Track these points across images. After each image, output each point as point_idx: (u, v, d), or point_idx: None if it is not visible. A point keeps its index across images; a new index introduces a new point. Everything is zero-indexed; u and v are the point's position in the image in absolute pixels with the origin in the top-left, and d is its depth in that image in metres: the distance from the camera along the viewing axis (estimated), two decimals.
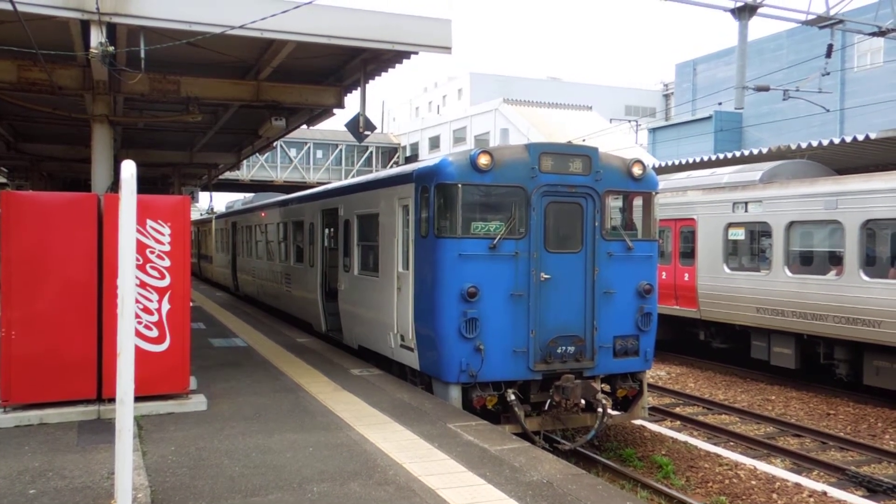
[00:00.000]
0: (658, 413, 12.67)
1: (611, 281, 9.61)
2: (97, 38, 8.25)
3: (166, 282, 8.17)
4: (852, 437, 11.33)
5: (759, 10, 13.78)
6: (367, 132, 11.39)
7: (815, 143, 16.65)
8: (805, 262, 14.38)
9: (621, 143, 36.59)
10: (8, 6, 7.17)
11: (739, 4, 13.67)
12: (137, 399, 5.31)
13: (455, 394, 9.11)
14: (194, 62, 10.81)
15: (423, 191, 9.49)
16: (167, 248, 8.15)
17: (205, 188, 29.71)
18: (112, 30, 8.62)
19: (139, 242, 7.25)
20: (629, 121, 46.63)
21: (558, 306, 9.36)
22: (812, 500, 8.68)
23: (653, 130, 45.11)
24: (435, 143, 49.73)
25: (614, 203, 10.30)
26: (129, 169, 5.14)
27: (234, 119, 14.84)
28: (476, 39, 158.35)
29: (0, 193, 8.13)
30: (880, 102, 31.22)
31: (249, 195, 35.19)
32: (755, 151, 18.53)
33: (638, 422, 11.25)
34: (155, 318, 8.15)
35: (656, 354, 11.22)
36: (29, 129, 17.09)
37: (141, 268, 7.87)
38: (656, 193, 10.19)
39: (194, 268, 34.20)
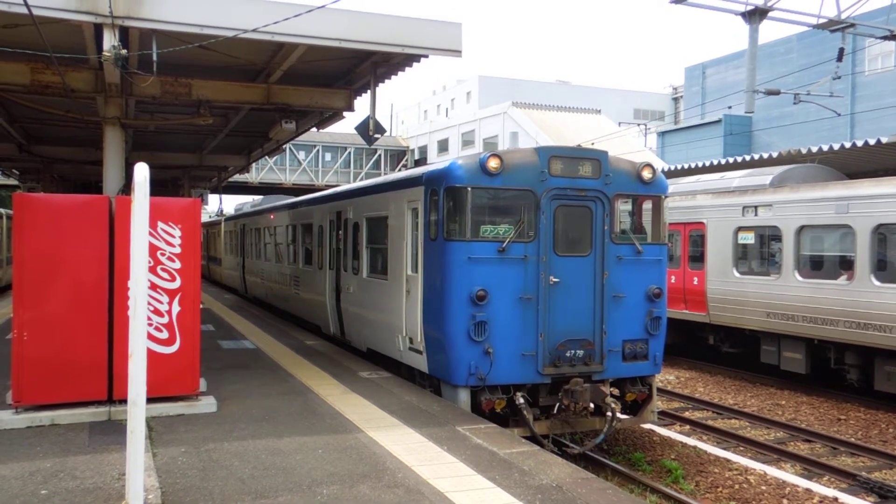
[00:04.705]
0: (667, 417, 12.62)
1: (620, 285, 9.59)
2: (110, 41, 8.32)
3: (177, 284, 8.21)
4: (863, 443, 11.27)
5: (770, 14, 13.75)
6: (377, 135, 11.43)
7: (825, 148, 16.59)
8: (815, 266, 14.31)
9: (630, 146, 36.54)
10: (22, 9, 7.23)
11: (750, 8, 13.64)
12: (148, 400, 5.32)
13: (464, 397, 9.11)
14: (205, 65, 10.87)
15: (433, 194, 9.50)
16: (178, 250, 8.19)
17: (214, 190, 29.87)
18: (125, 33, 8.70)
19: (150, 245, 7.29)
20: (638, 124, 46.59)
21: (567, 310, 9.35)
22: None
23: (662, 134, 45.06)
24: (443, 147, 49.78)
25: (624, 207, 10.28)
26: (142, 172, 5.16)
27: (244, 122, 14.91)
28: (485, 43, 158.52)
29: (13, 196, 8.20)
30: (891, 106, 31.07)
31: (258, 198, 35.38)
32: (765, 155, 18.48)
33: (647, 426, 11.22)
34: (165, 319, 8.18)
35: (665, 358, 11.19)
36: (41, 132, 17.22)
37: (152, 270, 7.90)
38: (666, 197, 10.17)
39: (203, 270, 34.33)
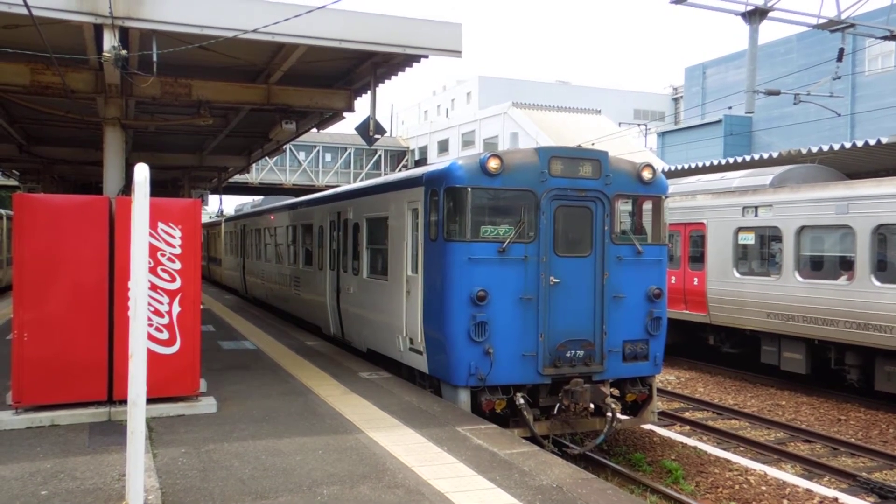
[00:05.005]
0: (667, 418, 12.62)
1: (620, 285, 9.59)
2: (110, 41, 8.33)
3: (177, 284, 8.21)
4: (863, 443, 11.26)
5: (770, 14, 13.75)
6: (377, 136, 11.43)
7: (825, 148, 16.58)
8: (815, 266, 14.31)
9: (630, 146, 36.54)
10: (22, 10, 7.24)
11: (750, 8, 13.64)
12: (148, 401, 5.32)
13: (464, 397, 9.11)
14: (205, 66, 10.87)
15: (433, 194, 9.50)
16: (178, 251, 8.19)
17: (214, 191, 29.86)
18: (125, 34, 8.70)
19: (150, 245, 7.29)
20: (638, 124, 46.57)
21: (567, 310, 9.35)
22: None
23: (662, 134, 45.04)
24: (444, 147, 49.78)
25: (624, 207, 10.28)
26: (142, 172, 5.16)
27: (244, 122, 14.91)
28: (485, 43, 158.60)
29: (13, 196, 8.20)
30: (891, 107, 31.06)
31: (259, 198, 35.39)
32: (765, 156, 18.47)
33: (647, 426, 11.22)
34: (165, 320, 8.18)
35: (665, 359, 11.19)
36: (41, 132, 17.22)
37: (152, 270, 7.90)
38: (666, 197, 10.17)
39: (204, 270, 34.35)
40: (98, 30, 8.53)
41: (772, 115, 37.55)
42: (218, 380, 10.15)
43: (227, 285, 31.09)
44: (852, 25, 14.32)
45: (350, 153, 49.31)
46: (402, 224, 10.49)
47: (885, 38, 15.06)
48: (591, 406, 9.82)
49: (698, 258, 16.75)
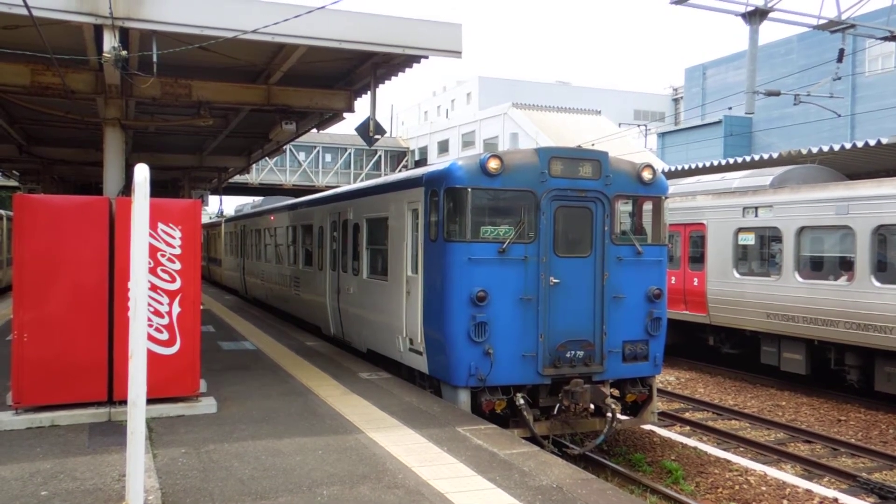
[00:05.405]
0: (667, 418, 12.62)
1: (620, 285, 9.59)
2: (110, 42, 8.33)
3: (177, 285, 8.21)
4: (863, 444, 11.26)
5: (770, 15, 13.75)
6: (377, 136, 11.44)
7: (825, 148, 16.58)
8: (815, 267, 14.32)
9: (630, 147, 36.54)
10: (23, 10, 7.24)
11: (750, 8, 13.64)
12: (148, 401, 5.32)
13: (464, 398, 9.11)
14: (205, 66, 10.88)
15: (433, 195, 9.50)
16: (178, 251, 8.19)
17: (214, 192, 29.86)
18: (125, 34, 8.71)
19: (150, 246, 7.29)
20: (638, 125, 46.56)
21: (567, 311, 9.35)
22: None
23: (662, 135, 45.01)
24: (444, 147, 49.80)
25: (624, 207, 10.28)
26: (142, 172, 5.16)
27: (244, 123, 14.92)
28: (485, 43, 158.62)
29: (13, 197, 8.21)
30: (892, 107, 31.06)
31: (259, 199, 35.40)
32: (765, 156, 18.47)
33: (647, 427, 11.22)
34: (165, 321, 8.18)
35: (665, 359, 11.19)
36: (41, 133, 17.23)
37: (152, 271, 7.90)
38: (666, 198, 10.17)
39: (204, 271, 34.33)
40: (98, 30, 8.54)
41: (772, 115, 37.55)
42: (218, 380, 10.15)
43: (226, 286, 31.09)
44: (852, 26, 14.32)
45: (350, 154, 49.33)
46: (402, 224, 10.49)
47: (885, 38, 15.07)
48: (591, 406, 9.82)
49: (698, 258, 16.75)
